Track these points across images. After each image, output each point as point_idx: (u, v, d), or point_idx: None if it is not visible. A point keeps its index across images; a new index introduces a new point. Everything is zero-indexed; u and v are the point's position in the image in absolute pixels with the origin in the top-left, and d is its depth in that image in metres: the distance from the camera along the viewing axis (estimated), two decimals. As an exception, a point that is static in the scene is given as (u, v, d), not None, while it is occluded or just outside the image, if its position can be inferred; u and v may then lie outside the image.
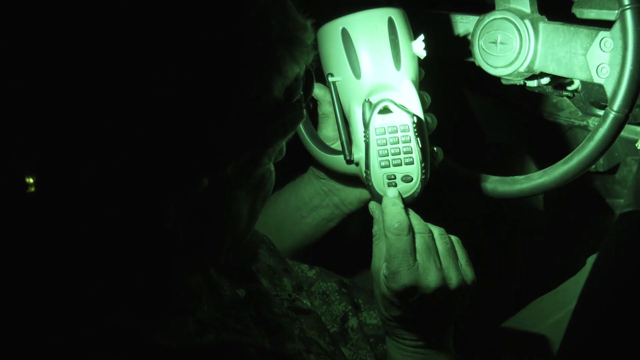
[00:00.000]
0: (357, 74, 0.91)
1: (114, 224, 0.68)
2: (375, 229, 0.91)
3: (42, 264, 0.67)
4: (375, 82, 0.90)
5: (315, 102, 1.01)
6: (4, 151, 0.63)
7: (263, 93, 0.68)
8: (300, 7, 0.70)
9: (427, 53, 0.91)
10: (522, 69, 0.97)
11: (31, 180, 0.62)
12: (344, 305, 1.03)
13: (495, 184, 1.00)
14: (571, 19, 1.00)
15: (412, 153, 0.88)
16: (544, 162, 0.98)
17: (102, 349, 0.65)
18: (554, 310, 1.21)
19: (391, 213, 0.87)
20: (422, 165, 0.88)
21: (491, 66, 0.99)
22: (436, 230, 0.89)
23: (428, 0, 1.15)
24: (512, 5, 0.97)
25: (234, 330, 0.75)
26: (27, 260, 0.67)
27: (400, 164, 0.89)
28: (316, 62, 0.73)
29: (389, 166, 0.89)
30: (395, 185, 0.90)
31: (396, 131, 0.88)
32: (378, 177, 0.90)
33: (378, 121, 0.88)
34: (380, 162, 0.89)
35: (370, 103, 0.89)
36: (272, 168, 0.77)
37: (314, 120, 1.04)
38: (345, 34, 0.90)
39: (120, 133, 0.63)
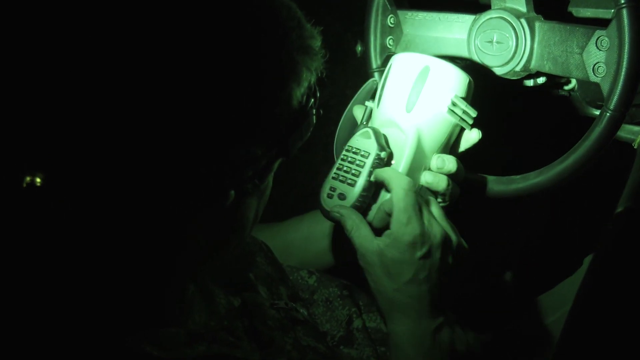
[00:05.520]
0: (378, 103, 0.93)
1: (133, 233, 0.69)
2: (349, 224, 0.88)
3: (47, 270, 0.67)
4: (386, 116, 0.92)
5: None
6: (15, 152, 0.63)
7: (285, 106, 0.70)
8: (306, 15, 0.72)
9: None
10: (518, 68, 0.96)
11: (38, 180, 0.63)
12: (347, 308, 1.03)
13: (491, 184, 1.00)
14: (567, 18, 1.00)
15: (358, 177, 0.89)
16: (540, 161, 0.98)
17: (93, 358, 0.65)
18: (551, 311, 1.20)
19: (399, 175, 0.87)
20: (363, 194, 0.89)
21: (487, 65, 0.99)
22: (432, 200, 0.90)
23: (424, 0, 1.15)
24: (508, 5, 0.97)
25: (225, 342, 0.75)
26: (30, 262, 0.67)
27: (344, 182, 0.90)
28: (327, 69, 0.75)
29: (337, 179, 0.91)
30: (331, 198, 0.91)
31: (358, 153, 0.90)
32: (326, 187, 0.92)
33: (354, 141, 0.91)
34: (333, 173, 0.92)
35: (365, 126, 0.92)
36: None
37: None
38: (389, 67, 0.93)
39: (151, 147, 0.63)
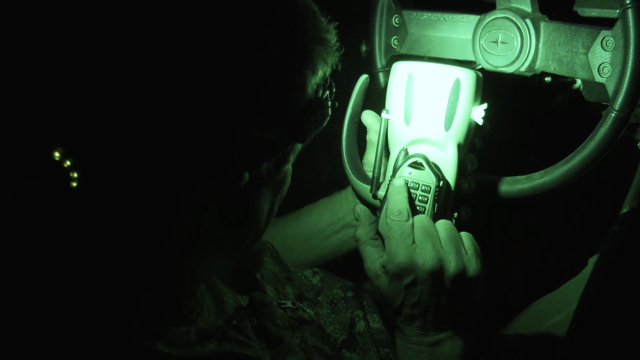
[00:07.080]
0: (407, 120, 0.91)
1: (148, 223, 0.69)
2: (359, 232, 0.90)
3: (55, 267, 0.68)
4: (421, 134, 0.90)
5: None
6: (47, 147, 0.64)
7: (300, 91, 0.71)
8: (322, 11, 0.73)
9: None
10: (523, 69, 0.96)
11: (75, 175, 0.63)
12: (350, 311, 1.03)
13: (495, 184, 1.00)
14: (572, 18, 1.00)
15: (423, 214, 0.88)
16: (545, 161, 0.98)
17: (103, 356, 0.65)
18: (556, 311, 1.20)
19: (394, 200, 0.88)
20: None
21: (492, 66, 0.99)
22: (441, 222, 0.89)
23: (429, 0, 1.14)
24: (513, 5, 0.97)
25: (235, 341, 0.75)
26: (38, 258, 0.67)
27: None
28: (341, 62, 0.76)
29: None
30: None
31: (417, 188, 0.88)
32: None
33: (405, 172, 0.89)
34: None
35: (406, 152, 0.89)
36: (291, 168, 0.78)
37: (362, 144, 1.05)
38: (410, 79, 0.91)
39: (165, 128, 0.64)
